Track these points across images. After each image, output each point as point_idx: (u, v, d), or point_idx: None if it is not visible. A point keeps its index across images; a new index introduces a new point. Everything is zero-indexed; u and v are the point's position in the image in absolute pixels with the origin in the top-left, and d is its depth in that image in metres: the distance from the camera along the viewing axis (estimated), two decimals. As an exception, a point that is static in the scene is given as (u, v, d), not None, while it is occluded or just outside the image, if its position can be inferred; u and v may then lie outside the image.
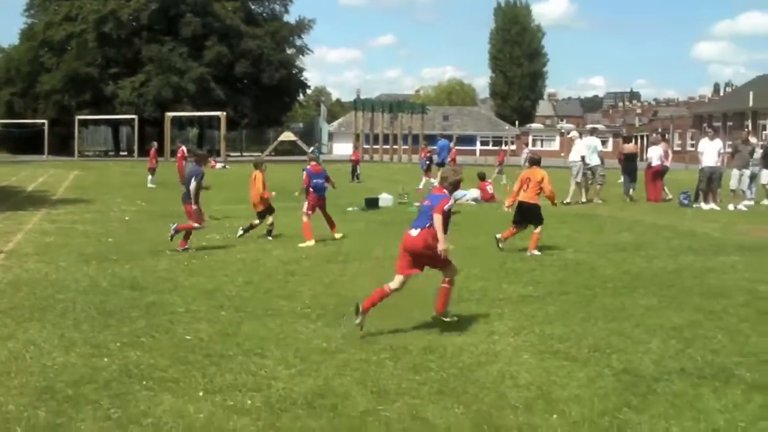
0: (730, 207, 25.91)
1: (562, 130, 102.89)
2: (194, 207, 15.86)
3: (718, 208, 25.66)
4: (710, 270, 13.73)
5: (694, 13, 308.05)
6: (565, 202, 25.72)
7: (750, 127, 62.15)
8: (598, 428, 6.53)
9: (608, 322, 10.05)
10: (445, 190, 9.88)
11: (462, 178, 10.24)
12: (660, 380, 7.72)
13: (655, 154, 29.49)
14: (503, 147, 78.53)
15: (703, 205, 25.98)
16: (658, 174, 29.17)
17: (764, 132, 53.47)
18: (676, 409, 6.93)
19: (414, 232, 9.57)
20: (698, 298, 11.41)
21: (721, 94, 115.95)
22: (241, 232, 17.73)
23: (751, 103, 66.34)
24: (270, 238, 17.38)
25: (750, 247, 16.69)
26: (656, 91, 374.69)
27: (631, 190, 29.43)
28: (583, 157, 27.69)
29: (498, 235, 15.94)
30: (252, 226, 17.73)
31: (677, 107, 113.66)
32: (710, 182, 26.38)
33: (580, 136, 30.23)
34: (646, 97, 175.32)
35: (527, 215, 15.77)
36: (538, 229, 15.60)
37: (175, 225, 15.94)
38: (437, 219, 9.44)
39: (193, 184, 15.79)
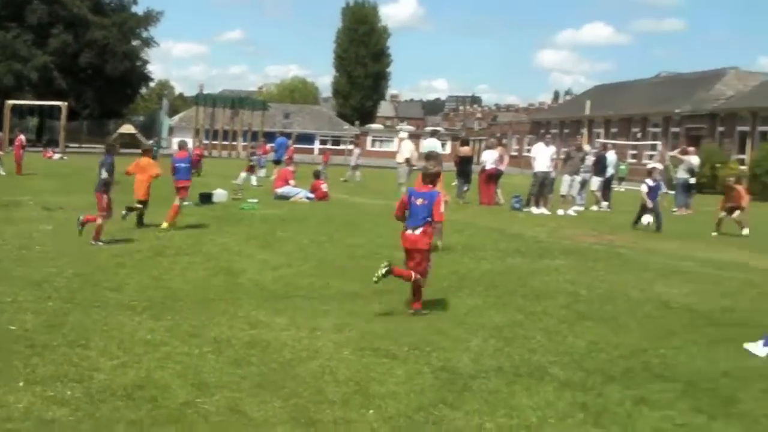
0: (560, 212, 26.70)
1: (400, 131, 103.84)
2: (104, 197, 15.44)
3: (549, 213, 26.42)
4: (535, 272, 14.14)
5: (538, 21, 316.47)
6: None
7: (586, 135, 64.22)
8: (414, 423, 6.62)
9: (431, 320, 10.21)
10: (431, 186, 10.71)
11: (439, 171, 11.09)
12: (477, 378, 7.88)
13: (489, 158, 30.01)
14: (340, 146, 78.84)
15: (534, 210, 26.66)
16: (492, 177, 29.72)
17: (598, 140, 55.20)
18: (491, 406, 7.08)
19: (417, 232, 10.44)
20: (521, 299, 11.72)
21: (560, 101, 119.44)
22: (124, 212, 17.53)
23: (587, 112, 68.39)
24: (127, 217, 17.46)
25: (574, 251, 17.27)
26: (498, 97, 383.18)
27: (464, 193, 29.94)
28: (407, 159, 27.96)
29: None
30: (133, 209, 17.72)
31: (517, 113, 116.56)
32: (542, 187, 27.11)
33: (410, 138, 30.58)
34: (487, 102, 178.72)
35: None
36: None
37: (82, 217, 15.68)
38: (442, 220, 10.65)
39: (104, 174, 15.38)
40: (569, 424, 6.78)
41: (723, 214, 23.09)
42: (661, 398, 7.51)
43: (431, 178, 10.85)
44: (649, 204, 22.99)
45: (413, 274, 10.50)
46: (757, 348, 9.43)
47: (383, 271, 10.35)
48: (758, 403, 7.57)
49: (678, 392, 7.73)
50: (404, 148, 28.59)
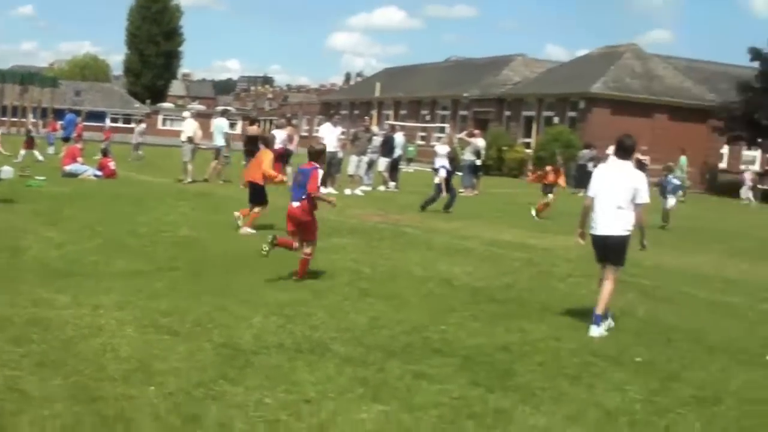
0: (347, 191, 27.01)
1: (191, 110, 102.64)
2: None
3: (336, 192, 26.64)
4: (319, 251, 14.18)
5: (332, 3, 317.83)
6: (186, 181, 25.99)
7: (375, 116, 65.11)
8: (193, 399, 6.57)
9: (215, 297, 10.12)
10: (313, 163, 11.65)
11: (323, 148, 12.04)
12: (258, 354, 7.90)
13: (278, 137, 30.08)
14: (131, 125, 76.99)
15: (322, 189, 26.80)
16: (280, 157, 29.73)
17: (387, 122, 55.99)
18: (271, 381, 7.10)
19: (295, 204, 11.52)
20: (307, 276, 11.77)
21: (351, 83, 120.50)
22: None
23: (377, 94, 69.34)
24: None
25: (360, 230, 17.54)
26: (290, 78, 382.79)
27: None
28: (190, 138, 27.73)
29: (236, 213, 16.62)
30: None
31: (308, 93, 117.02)
32: (330, 167, 27.33)
33: (194, 117, 30.27)
34: (279, 83, 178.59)
35: (252, 194, 16.82)
36: (258, 209, 16.48)
37: None
38: (316, 194, 11.50)
39: None
40: (349, 398, 6.87)
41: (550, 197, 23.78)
42: (440, 372, 7.72)
43: (315, 155, 11.87)
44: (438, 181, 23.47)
45: (294, 243, 11.67)
46: (594, 332, 9.82)
47: (268, 243, 11.34)
48: (534, 375, 7.91)
49: (456, 366, 7.97)
50: (188, 127, 28.27)
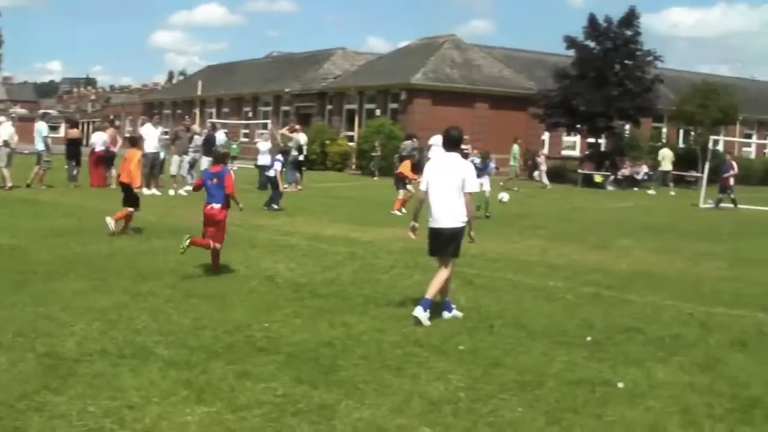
0: (171, 192, 26.73)
1: (12, 115, 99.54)
2: None
3: (160, 193, 26.33)
4: (142, 253, 14.10)
5: (151, 2, 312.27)
6: (7, 187, 25.26)
7: (198, 115, 64.36)
8: (16, 411, 6.45)
9: (37, 306, 9.94)
10: (221, 165, 13.10)
11: (228, 152, 12.31)
12: (81, 361, 7.81)
13: (98, 140, 29.61)
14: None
15: (146, 191, 26.43)
16: (101, 159, 29.28)
17: (209, 120, 55.48)
18: (95, 389, 7.04)
19: (216, 205, 12.73)
20: (127, 281, 11.65)
21: (174, 82, 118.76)
22: None
23: (199, 92, 68.52)
24: None
25: (183, 230, 17.27)
26: (113, 78, 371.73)
27: (75, 176, 29.19)
28: (6, 142, 27.00)
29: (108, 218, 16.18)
30: None
31: (131, 94, 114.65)
32: (152, 168, 27.01)
33: (9, 121, 29.54)
34: (102, 84, 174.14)
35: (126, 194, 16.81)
36: (131, 209, 16.58)
37: None
38: (233, 194, 12.86)
39: None
40: (173, 401, 6.85)
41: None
42: (264, 371, 7.76)
43: (221, 158, 13.68)
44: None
45: (211, 242, 12.55)
46: (419, 313, 9.99)
47: (186, 243, 12.07)
48: (357, 370, 8.03)
49: (280, 364, 8.02)
50: (2, 131, 27.49)
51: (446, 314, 10.49)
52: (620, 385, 7.88)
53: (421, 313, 9.98)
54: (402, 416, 6.80)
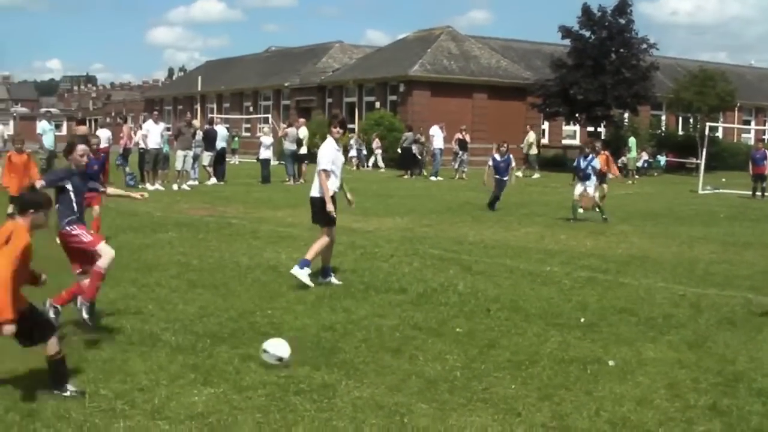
0: (174, 187, 26.99)
1: (15, 114, 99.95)
2: None
3: (164, 189, 26.61)
4: (148, 246, 14.37)
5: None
6: None
7: (199, 111, 64.56)
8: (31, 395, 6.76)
9: (47, 299, 10.19)
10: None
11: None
12: (91, 349, 8.13)
13: (103, 136, 29.82)
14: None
15: (149, 186, 26.72)
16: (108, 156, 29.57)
17: (210, 115, 55.63)
18: (106, 374, 7.37)
19: None
20: (134, 273, 11.91)
21: (174, 78, 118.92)
22: None
23: (200, 87, 68.66)
24: None
25: (187, 223, 17.68)
26: (114, 76, 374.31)
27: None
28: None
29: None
30: None
31: (131, 91, 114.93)
32: (156, 163, 27.31)
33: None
34: (103, 81, 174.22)
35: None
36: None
37: None
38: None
39: None
40: (180, 383, 7.17)
41: None
42: (267, 354, 8.06)
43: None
44: (486, 178, 23.49)
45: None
46: (301, 275, 11.20)
47: None
48: (357, 352, 8.35)
49: (284, 347, 8.32)
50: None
51: (320, 279, 11.58)
52: (611, 363, 8.18)
53: (296, 270, 11.31)
54: (400, 394, 7.10)
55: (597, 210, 21.24)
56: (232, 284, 11.43)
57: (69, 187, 8.76)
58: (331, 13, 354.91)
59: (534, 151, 43.11)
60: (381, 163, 45.40)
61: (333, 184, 11.68)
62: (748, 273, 13.69)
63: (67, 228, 8.70)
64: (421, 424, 6.48)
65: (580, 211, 21.28)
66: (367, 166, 45.65)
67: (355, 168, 43.09)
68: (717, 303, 11.16)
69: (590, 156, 21.29)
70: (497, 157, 23.51)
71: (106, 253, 8.62)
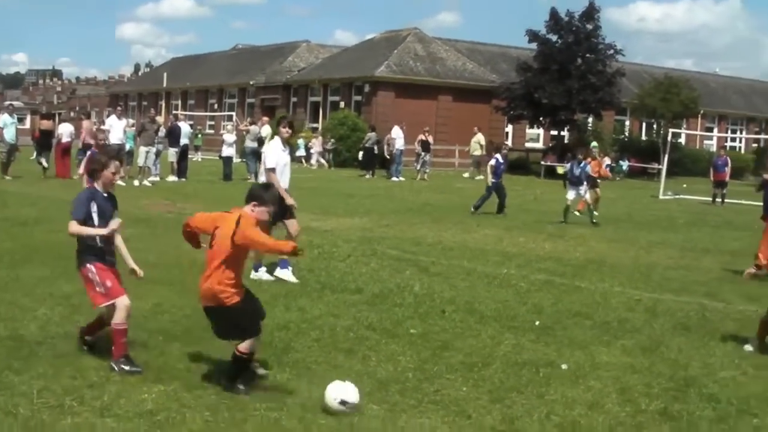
0: (136, 183, 26.88)
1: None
2: None
3: (124, 184, 26.42)
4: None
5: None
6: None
7: (164, 107, 64.34)
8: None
9: (1, 292, 10.19)
10: None
11: None
12: (43, 344, 8.09)
13: (65, 131, 29.82)
14: None
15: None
16: (67, 151, 29.45)
17: (174, 112, 55.41)
18: (56, 369, 7.32)
19: None
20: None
21: (140, 74, 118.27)
22: None
23: (165, 84, 68.47)
24: None
25: (145, 220, 17.61)
26: (80, 70, 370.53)
27: (44, 162, 29.24)
28: None
29: None
30: None
31: (97, 86, 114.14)
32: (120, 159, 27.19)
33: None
34: (69, 76, 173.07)
35: None
36: None
37: None
38: None
39: None
40: (131, 381, 7.13)
41: None
42: (220, 353, 7.97)
43: None
44: (491, 179, 23.44)
45: None
46: (284, 275, 11.67)
47: None
48: (310, 351, 8.36)
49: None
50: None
51: (253, 273, 11.88)
52: (564, 366, 8.22)
53: (279, 272, 12.02)
54: (351, 395, 7.08)
55: (588, 212, 21.99)
56: (189, 281, 11.30)
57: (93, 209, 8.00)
58: (299, 12, 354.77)
59: (479, 152, 43.05)
60: (314, 162, 46.40)
61: (283, 182, 12.12)
62: (705, 279, 13.84)
63: (88, 265, 7.91)
64: (371, 425, 6.49)
65: (576, 213, 22.18)
66: (312, 164, 45.86)
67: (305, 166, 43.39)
68: (672, 308, 11.27)
69: (583, 163, 22.34)
70: (499, 158, 23.80)
71: (120, 306, 7.67)
